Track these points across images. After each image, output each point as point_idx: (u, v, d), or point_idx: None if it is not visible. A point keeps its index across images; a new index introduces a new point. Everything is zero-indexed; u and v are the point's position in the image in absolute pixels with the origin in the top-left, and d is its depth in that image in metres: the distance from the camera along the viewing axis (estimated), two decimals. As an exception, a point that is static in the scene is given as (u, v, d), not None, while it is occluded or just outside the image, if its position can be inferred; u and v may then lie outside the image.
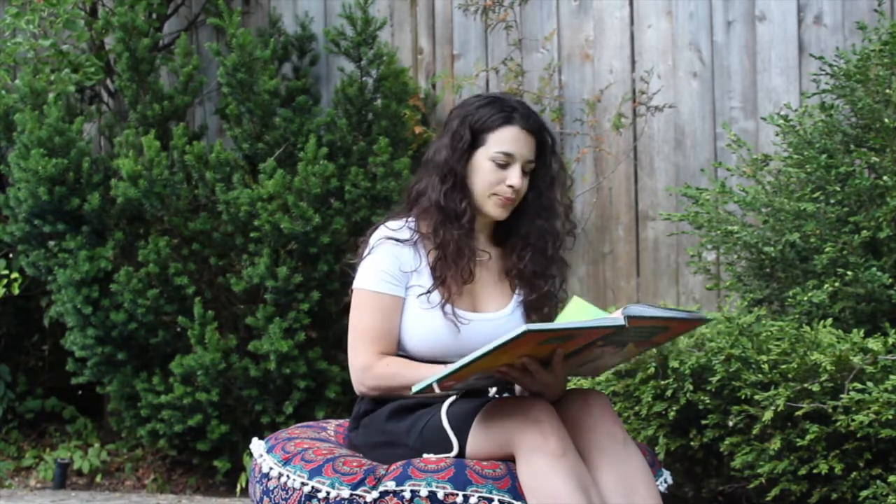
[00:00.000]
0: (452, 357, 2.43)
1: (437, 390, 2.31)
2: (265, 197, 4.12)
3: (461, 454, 2.39)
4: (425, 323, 2.52)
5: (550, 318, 2.60)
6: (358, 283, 2.56)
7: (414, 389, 2.32)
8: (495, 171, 2.54)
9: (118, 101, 4.75)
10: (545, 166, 2.61)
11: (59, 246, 4.30)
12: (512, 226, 2.63)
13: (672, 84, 4.31)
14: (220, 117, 4.68)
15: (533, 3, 4.50)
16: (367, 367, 2.52)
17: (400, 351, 2.56)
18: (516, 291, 2.63)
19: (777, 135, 3.68)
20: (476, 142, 2.55)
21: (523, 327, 2.19)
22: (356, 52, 4.45)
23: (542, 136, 2.59)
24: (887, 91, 3.38)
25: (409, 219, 2.58)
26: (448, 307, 2.51)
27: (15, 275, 4.64)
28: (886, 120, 3.32)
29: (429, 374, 2.38)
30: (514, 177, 2.53)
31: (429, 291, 2.52)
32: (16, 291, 4.65)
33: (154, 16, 4.71)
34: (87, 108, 4.81)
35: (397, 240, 2.54)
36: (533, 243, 2.61)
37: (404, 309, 2.54)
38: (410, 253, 2.55)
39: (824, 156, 3.38)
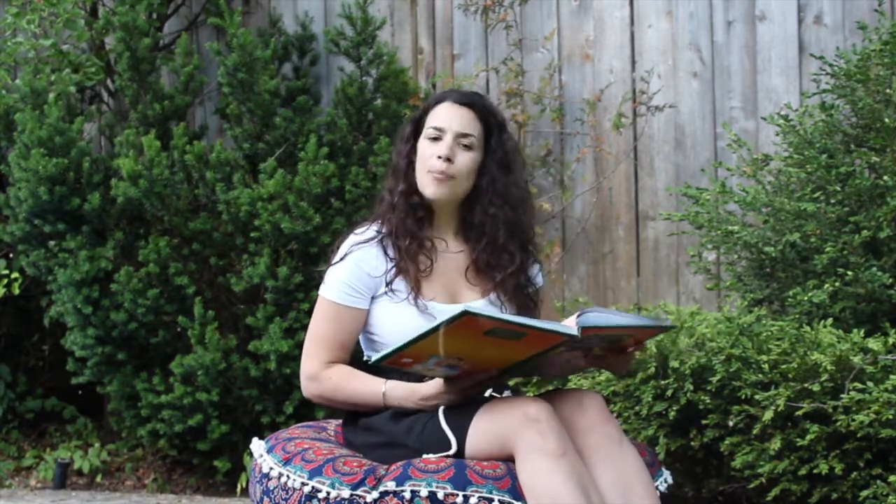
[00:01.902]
0: None
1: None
2: (265, 197, 4.12)
3: (461, 454, 2.39)
4: (399, 320, 2.53)
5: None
6: (321, 290, 2.59)
7: (373, 360, 2.35)
8: (429, 147, 2.56)
9: (118, 101, 4.75)
10: (498, 149, 2.60)
11: (60, 246, 4.30)
12: (472, 218, 2.62)
13: (672, 84, 4.31)
14: (220, 117, 4.68)
15: (533, 3, 4.50)
16: (312, 376, 2.57)
17: (381, 351, 2.56)
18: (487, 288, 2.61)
19: (777, 135, 3.68)
20: (417, 131, 2.60)
21: (461, 306, 2.21)
22: (356, 52, 4.45)
23: (483, 114, 2.58)
24: (888, 91, 3.38)
25: (375, 221, 2.61)
26: (419, 299, 2.52)
27: (15, 275, 4.63)
28: (887, 120, 3.32)
29: (370, 385, 2.46)
30: (443, 147, 2.53)
31: (389, 281, 2.53)
32: (16, 291, 4.65)
33: (154, 16, 4.71)
34: (87, 107, 4.81)
35: (362, 242, 2.56)
36: (487, 233, 2.60)
37: (375, 311, 2.55)
38: (376, 252, 2.56)
39: (824, 156, 3.37)
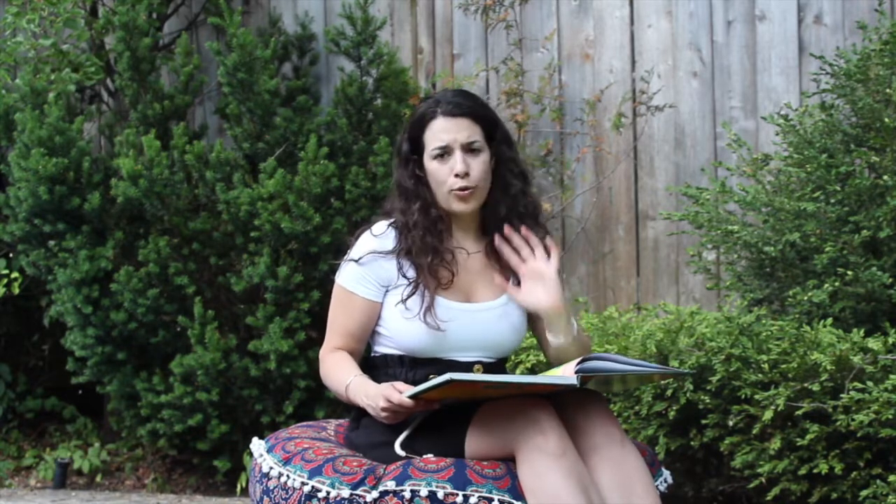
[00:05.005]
0: (442, 353, 2.51)
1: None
2: (265, 196, 4.12)
3: (460, 453, 2.40)
4: (408, 330, 2.53)
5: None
6: (338, 277, 2.60)
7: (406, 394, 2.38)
8: (441, 167, 2.54)
9: (118, 101, 4.75)
10: (498, 133, 2.59)
11: (59, 245, 4.30)
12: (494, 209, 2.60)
13: (672, 84, 4.31)
14: (220, 117, 4.68)
15: (533, 3, 4.50)
16: (321, 358, 2.61)
17: (394, 346, 2.56)
18: (510, 281, 2.60)
19: (777, 134, 3.68)
20: (417, 149, 2.57)
21: (447, 375, 2.24)
22: (356, 52, 4.45)
23: (477, 115, 2.55)
24: (887, 91, 3.38)
25: (392, 229, 2.58)
26: (429, 316, 2.50)
27: (15, 274, 4.63)
28: (886, 119, 3.32)
29: (342, 376, 2.50)
30: (457, 163, 2.51)
31: (404, 300, 2.52)
32: (16, 291, 4.65)
33: (154, 15, 4.71)
34: (87, 107, 4.81)
35: (380, 252, 2.55)
36: (510, 207, 2.58)
37: (386, 310, 2.55)
38: (392, 264, 2.55)
39: (824, 155, 3.38)
